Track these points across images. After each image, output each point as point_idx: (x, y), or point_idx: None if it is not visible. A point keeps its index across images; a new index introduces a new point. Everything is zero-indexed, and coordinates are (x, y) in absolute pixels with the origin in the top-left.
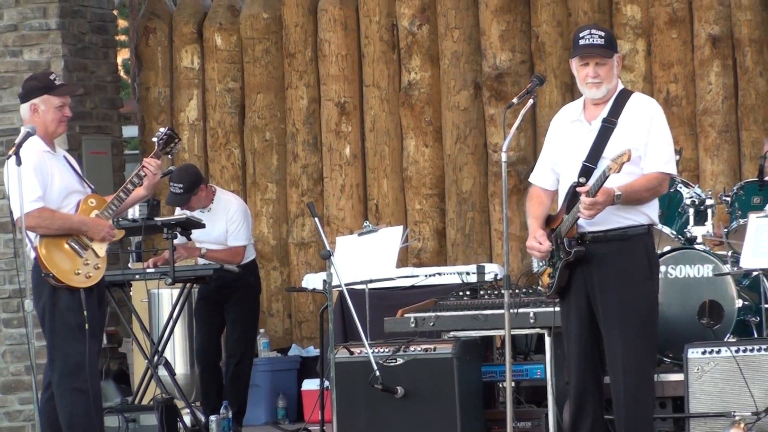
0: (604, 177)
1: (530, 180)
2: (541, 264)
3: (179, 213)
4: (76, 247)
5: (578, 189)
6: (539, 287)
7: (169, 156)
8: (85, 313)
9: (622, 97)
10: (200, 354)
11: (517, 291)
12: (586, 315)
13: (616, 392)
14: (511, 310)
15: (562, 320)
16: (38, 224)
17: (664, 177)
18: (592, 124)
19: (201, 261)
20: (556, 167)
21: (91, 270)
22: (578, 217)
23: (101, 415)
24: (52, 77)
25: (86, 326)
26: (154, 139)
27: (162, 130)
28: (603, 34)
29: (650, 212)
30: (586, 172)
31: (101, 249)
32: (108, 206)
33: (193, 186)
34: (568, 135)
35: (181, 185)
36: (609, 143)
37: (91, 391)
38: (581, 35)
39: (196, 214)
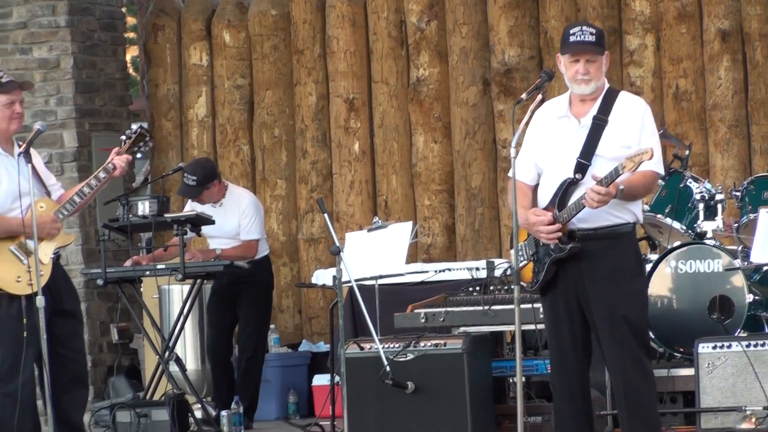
0: (617, 173)
1: (510, 175)
2: (522, 257)
3: (189, 209)
4: (17, 253)
5: (593, 176)
6: (522, 282)
7: (139, 155)
8: (24, 321)
9: (611, 96)
10: (212, 349)
11: (523, 286)
12: (576, 310)
13: (616, 387)
14: (520, 306)
15: (546, 315)
16: None
17: (657, 176)
18: (581, 122)
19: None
20: (540, 162)
21: (33, 277)
22: (582, 208)
23: (35, 421)
24: None
25: (24, 334)
26: (122, 137)
27: (133, 126)
28: (594, 31)
29: (637, 211)
30: (581, 168)
31: (45, 256)
32: (59, 210)
33: (207, 180)
34: (554, 131)
35: (194, 177)
36: (602, 140)
37: (22, 398)
38: (572, 32)
39: (207, 208)
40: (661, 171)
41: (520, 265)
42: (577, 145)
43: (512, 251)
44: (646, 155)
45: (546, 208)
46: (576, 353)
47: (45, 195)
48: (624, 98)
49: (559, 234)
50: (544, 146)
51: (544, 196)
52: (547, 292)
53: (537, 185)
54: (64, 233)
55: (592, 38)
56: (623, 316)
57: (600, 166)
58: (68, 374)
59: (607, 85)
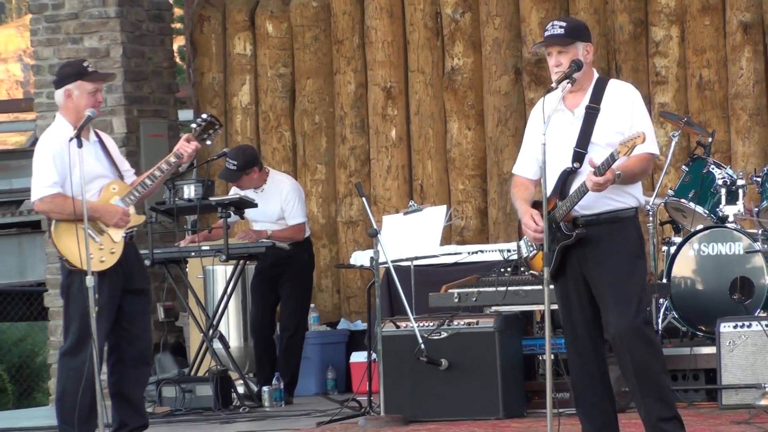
0: (612, 159)
1: (513, 171)
2: (530, 248)
3: (233, 193)
4: (91, 232)
5: (590, 164)
6: (531, 271)
7: (208, 142)
8: (96, 296)
9: (601, 85)
10: (255, 327)
11: (534, 274)
12: (585, 293)
13: (625, 366)
14: (550, 286)
15: (558, 299)
16: (51, 209)
17: (651, 157)
18: (575, 112)
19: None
20: (540, 156)
21: (105, 255)
22: (585, 194)
23: (93, 395)
24: (85, 64)
25: (96, 309)
26: (193, 125)
27: (203, 115)
28: (564, 24)
29: (638, 194)
30: (578, 157)
31: (117, 234)
32: (130, 192)
33: (247, 166)
34: (553, 125)
35: (235, 162)
36: (596, 128)
37: (87, 372)
38: (546, 27)
39: (249, 193)
40: (656, 151)
41: (530, 255)
42: (572, 135)
43: (524, 238)
44: (639, 139)
45: (549, 199)
46: (589, 333)
47: (118, 178)
48: (614, 86)
49: (541, 236)
50: (546, 140)
51: (547, 188)
52: (557, 277)
53: (539, 179)
54: (135, 214)
55: (561, 31)
56: (627, 296)
57: (596, 154)
58: (134, 351)
59: (596, 75)
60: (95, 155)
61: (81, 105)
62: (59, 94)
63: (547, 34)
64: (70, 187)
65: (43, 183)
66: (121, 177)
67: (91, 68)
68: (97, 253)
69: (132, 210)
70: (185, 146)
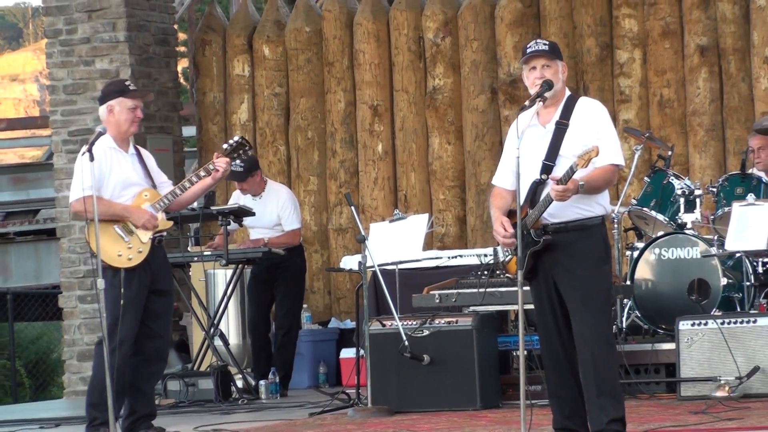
0: (572, 171)
1: (493, 182)
2: (506, 253)
3: (233, 202)
4: (121, 232)
5: (550, 177)
6: (507, 274)
7: (237, 161)
8: (122, 290)
9: (571, 102)
10: (252, 326)
11: (509, 277)
12: (555, 295)
13: (585, 362)
14: (523, 288)
15: (534, 302)
16: (84, 209)
17: (615, 168)
18: (546, 127)
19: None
20: (516, 168)
21: (133, 253)
22: (550, 203)
23: (124, 377)
24: (127, 83)
25: (122, 302)
26: (225, 145)
27: (236, 137)
28: (547, 42)
29: (605, 203)
30: (546, 169)
31: (145, 236)
32: (160, 200)
33: (252, 168)
34: (527, 139)
35: (242, 165)
36: (564, 142)
37: (120, 357)
38: (528, 45)
39: (248, 200)
40: (620, 162)
41: (506, 259)
42: (543, 148)
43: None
44: (593, 153)
45: (522, 207)
46: (559, 331)
47: (152, 187)
48: (583, 103)
49: (513, 241)
50: (521, 153)
51: (521, 198)
52: (531, 279)
53: (515, 189)
54: (164, 220)
55: (545, 47)
56: (592, 299)
57: (563, 166)
58: (153, 347)
59: (567, 93)
60: (132, 165)
61: (121, 120)
62: (102, 110)
63: (532, 49)
64: (106, 190)
65: (79, 186)
66: (155, 187)
67: (132, 87)
68: (126, 251)
69: (161, 216)
70: (216, 162)
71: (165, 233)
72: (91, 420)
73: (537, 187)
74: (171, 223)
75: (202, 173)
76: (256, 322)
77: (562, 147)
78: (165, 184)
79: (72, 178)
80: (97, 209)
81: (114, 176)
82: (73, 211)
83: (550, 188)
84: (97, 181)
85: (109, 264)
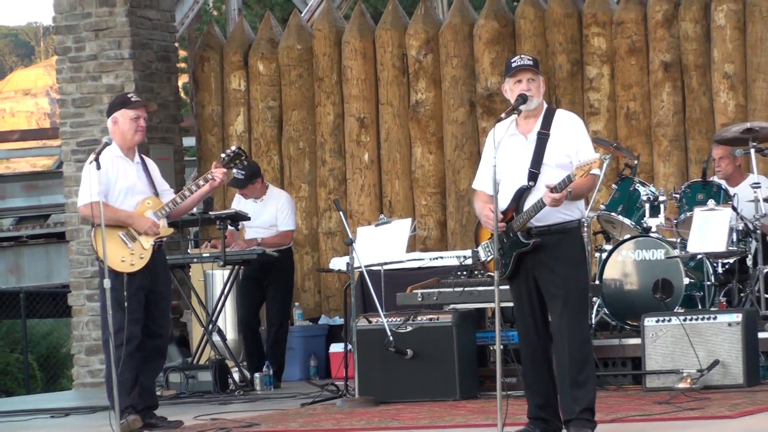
0: (569, 180)
1: (474, 186)
2: (488, 253)
3: (235, 204)
4: (125, 238)
5: (546, 185)
6: (489, 273)
7: (234, 170)
8: (124, 293)
9: (550, 114)
10: (243, 323)
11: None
12: (535, 293)
13: (562, 356)
14: (501, 286)
15: (514, 300)
16: (90, 213)
17: (596, 178)
18: (528, 137)
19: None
20: (498, 174)
21: (135, 259)
22: (542, 208)
23: (130, 371)
24: (129, 95)
25: (125, 304)
26: (222, 155)
27: (233, 147)
28: (531, 57)
29: (582, 208)
30: (532, 176)
31: (147, 242)
32: (162, 208)
33: (253, 176)
34: (507, 148)
35: (243, 173)
36: (546, 152)
37: (125, 356)
38: (512, 60)
39: (250, 203)
40: (599, 173)
41: (487, 259)
42: (526, 157)
43: (481, 245)
44: (595, 164)
45: (505, 212)
46: (537, 327)
47: (155, 195)
48: (561, 115)
49: (503, 225)
50: (500, 161)
51: (503, 202)
52: (513, 279)
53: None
54: (165, 227)
55: (530, 62)
56: (572, 297)
57: (547, 173)
58: (152, 345)
59: (545, 105)
60: (137, 174)
61: (125, 129)
62: (108, 122)
63: (517, 64)
64: (112, 196)
65: (86, 192)
66: (157, 195)
67: (134, 98)
68: (129, 257)
69: (163, 223)
70: (214, 171)
71: (165, 239)
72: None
73: (523, 193)
74: (172, 230)
75: (201, 182)
76: (247, 318)
77: (546, 155)
78: (167, 192)
79: (80, 185)
80: (103, 215)
81: (120, 183)
82: (81, 215)
83: (544, 195)
84: (104, 187)
85: (113, 268)
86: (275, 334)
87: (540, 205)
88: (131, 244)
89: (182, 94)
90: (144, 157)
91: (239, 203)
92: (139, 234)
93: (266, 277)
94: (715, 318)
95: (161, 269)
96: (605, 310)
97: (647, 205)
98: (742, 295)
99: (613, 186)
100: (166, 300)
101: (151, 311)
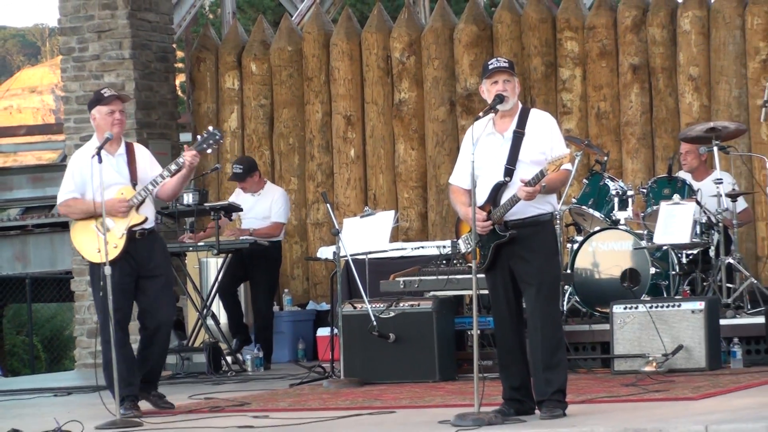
0: (542, 175)
1: (450, 181)
2: (468, 245)
3: (233, 198)
4: (98, 230)
5: (520, 179)
6: (468, 264)
7: (209, 150)
8: (101, 283)
9: (525, 113)
10: (222, 288)
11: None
12: (510, 282)
13: (534, 341)
14: (478, 275)
15: (489, 289)
16: (68, 211)
17: (569, 173)
18: (504, 135)
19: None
20: (475, 170)
21: (109, 249)
22: (517, 202)
23: (129, 362)
24: (102, 91)
25: (100, 294)
26: (198, 137)
27: (210, 128)
28: (507, 60)
29: (554, 202)
30: (508, 173)
31: (119, 231)
32: (134, 196)
33: (250, 169)
34: (485, 145)
35: (241, 167)
36: (522, 149)
37: (117, 344)
38: (489, 62)
39: (248, 197)
40: (571, 168)
41: (467, 250)
42: (503, 154)
43: (462, 237)
44: (566, 159)
45: (483, 207)
46: (511, 314)
47: (130, 185)
48: (535, 114)
49: (490, 225)
50: (477, 157)
51: (480, 196)
52: (490, 269)
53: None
54: (137, 214)
55: (506, 64)
56: (545, 285)
57: (523, 169)
58: (153, 324)
59: (521, 105)
60: (116, 167)
61: (102, 125)
62: (90, 119)
63: (495, 66)
64: (90, 192)
65: (63, 191)
66: (136, 185)
67: (107, 94)
68: (103, 248)
69: (134, 211)
70: (185, 154)
71: (147, 227)
72: (121, 399)
73: (500, 188)
74: (144, 216)
75: (172, 167)
76: (227, 285)
77: (521, 153)
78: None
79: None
80: (80, 208)
81: (95, 180)
82: (59, 213)
83: (518, 189)
84: (76, 186)
85: (89, 260)
86: (263, 321)
87: (515, 199)
88: (105, 236)
89: (180, 93)
90: (134, 145)
91: (238, 197)
92: (114, 223)
93: (252, 262)
94: (679, 306)
95: (154, 254)
96: (576, 297)
97: (616, 199)
98: (705, 284)
99: (584, 181)
100: (161, 280)
101: (144, 293)
